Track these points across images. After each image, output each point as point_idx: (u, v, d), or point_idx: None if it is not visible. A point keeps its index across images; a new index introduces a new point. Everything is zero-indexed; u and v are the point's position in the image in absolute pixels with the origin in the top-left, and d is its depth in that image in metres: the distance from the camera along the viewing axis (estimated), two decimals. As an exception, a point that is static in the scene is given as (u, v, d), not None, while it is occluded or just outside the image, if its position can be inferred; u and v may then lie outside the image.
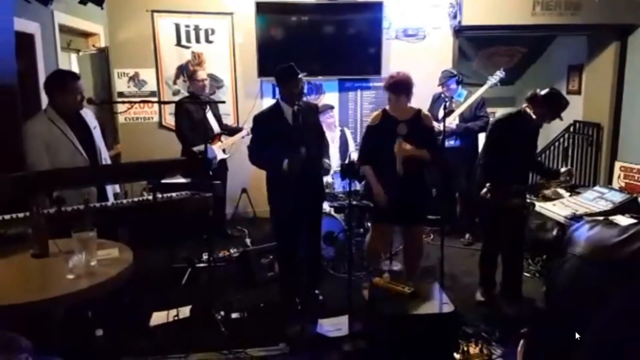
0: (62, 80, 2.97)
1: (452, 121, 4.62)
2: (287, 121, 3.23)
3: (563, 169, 3.59)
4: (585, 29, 5.57)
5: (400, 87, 3.22)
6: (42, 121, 2.90)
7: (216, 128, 4.77)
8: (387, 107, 3.34)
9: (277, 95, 3.46)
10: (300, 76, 3.19)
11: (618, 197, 3.47)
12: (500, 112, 6.54)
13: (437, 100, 4.85)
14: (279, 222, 3.45)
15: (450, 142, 4.69)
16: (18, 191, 2.48)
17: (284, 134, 3.19)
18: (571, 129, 6.18)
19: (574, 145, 6.24)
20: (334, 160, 4.70)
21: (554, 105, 3.23)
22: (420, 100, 5.06)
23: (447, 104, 4.65)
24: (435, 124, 4.65)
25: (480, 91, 4.69)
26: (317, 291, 3.56)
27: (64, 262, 1.95)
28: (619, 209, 3.36)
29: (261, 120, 3.31)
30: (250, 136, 3.56)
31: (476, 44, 6.29)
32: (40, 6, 3.32)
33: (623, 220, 3.20)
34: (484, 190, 3.13)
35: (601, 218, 3.12)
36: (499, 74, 4.66)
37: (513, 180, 3.21)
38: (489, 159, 3.31)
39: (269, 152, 3.21)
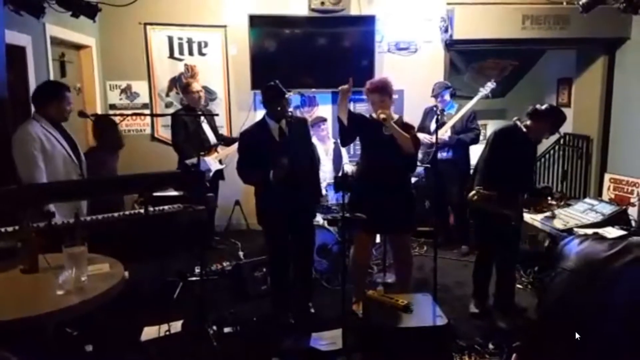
0: (57, 90, 3.09)
1: (445, 133, 4.65)
2: (274, 137, 3.25)
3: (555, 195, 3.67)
4: (574, 43, 5.66)
5: (384, 88, 3.26)
6: (37, 127, 2.94)
7: (212, 139, 4.77)
8: (372, 113, 3.36)
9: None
10: (287, 95, 3.22)
11: (608, 209, 3.50)
12: (491, 124, 6.62)
13: (428, 113, 4.89)
14: (270, 236, 3.44)
15: (442, 154, 4.73)
16: (8, 205, 2.46)
17: (270, 150, 3.19)
18: (561, 141, 6.24)
19: (564, 158, 6.30)
20: (328, 172, 4.71)
21: (554, 119, 3.28)
22: (411, 112, 5.14)
23: (439, 116, 4.69)
24: (427, 136, 4.70)
25: (472, 102, 4.74)
26: (309, 304, 3.54)
27: (54, 277, 1.93)
28: (609, 221, 3.39)
29: (247, 137, 3.32)
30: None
31: (467, 58, 6.36)
32: (31, 19, 3.31)
33: (613, 231, 3.24)
34: (472, 193, 3.14)
35: (591, 232, 3.15)
36: (490, 85, 4.72)
37: (507, 191, 3.21)
38: (487, 169, 3.31)
39: (255, 167, 3.21)
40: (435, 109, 4.77)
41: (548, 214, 3.64)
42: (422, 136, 4.73)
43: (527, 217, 3.69)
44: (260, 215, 3.38)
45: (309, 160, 3.42)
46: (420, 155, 4.91)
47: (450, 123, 4.70)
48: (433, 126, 4.86)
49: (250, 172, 3.27)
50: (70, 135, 3.20)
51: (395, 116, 3.35)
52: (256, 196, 3.37)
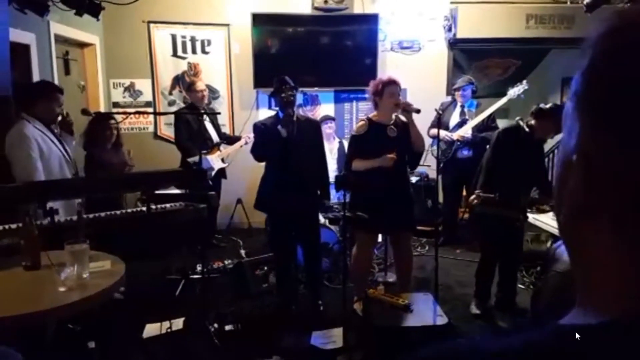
0: (49, 90, 3.03)
1: (468, 131, 4.63)
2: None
3: None
4: (578, 42, 5.52)
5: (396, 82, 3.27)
6: (30, 128, 2.88)
7: (215, 137, 4.78)
8: (372, 115, 3.35)
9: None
10: (288, 86, 3.34)
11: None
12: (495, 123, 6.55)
13: (447, 108, 4.78)
14: (274, 233, 3.52)
15: (464, 153, 4.70)
16: (11, 202, 2.47)
17: (277, 140, 3.33)
18: (565, 140, 6.22)
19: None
20: (331, 171, 4.70)
21: (559, 118, 3.23)
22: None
23: (464, 109, 4.66)
24: (448, 134, 4.67)
25: (501, 101, 4.67)
26: (319, 302, 3.58)
27: (56, 274, 1.94)
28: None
29: (258, 127, 3.50)
30: (251, 144, 3.71)
31: (470, 56, 6.33)
32: (36, 17, 3.32)
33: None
34: (472, 197, 3.14)
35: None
36: (522, 86, 4.55)
37: (509, 192, 3.19)
38: (490, 169, 3.30)
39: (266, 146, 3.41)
40: (455, 103, 4.72)
41: None
42: (443, 133, 4.62)
43: (530, 217, 3.68)
44: (258, 202, 3.51)
45: (316, 161, 3.48)
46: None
47: (475, 121, 4.65)
48: (453, 122, 4.82)
49: (262, 150, 3.44)
50: (58, 137, 3.15)
51: (393, 116, 3.34)
52: (260, 190, 3.51)
